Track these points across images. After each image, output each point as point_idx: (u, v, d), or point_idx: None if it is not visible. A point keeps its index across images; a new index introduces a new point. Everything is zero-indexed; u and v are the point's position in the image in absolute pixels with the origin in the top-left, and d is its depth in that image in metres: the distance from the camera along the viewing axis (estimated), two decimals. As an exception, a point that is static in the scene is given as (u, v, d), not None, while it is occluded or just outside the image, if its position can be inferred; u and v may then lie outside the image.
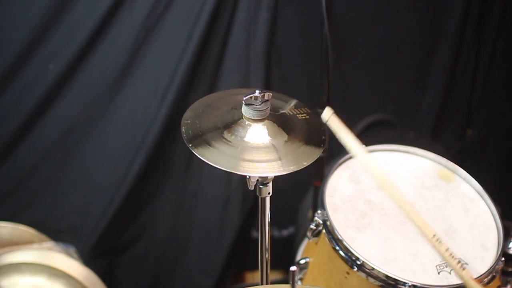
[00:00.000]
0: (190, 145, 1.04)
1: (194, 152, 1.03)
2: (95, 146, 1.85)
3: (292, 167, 1.03)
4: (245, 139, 1.07)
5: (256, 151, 1.05)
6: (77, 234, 1.86)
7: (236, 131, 1.08)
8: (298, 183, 1.84)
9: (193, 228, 1.98)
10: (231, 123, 1.09)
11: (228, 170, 1.01)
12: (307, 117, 1.16)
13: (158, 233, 1.97)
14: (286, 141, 1.08)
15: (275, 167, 1.03)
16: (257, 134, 1.07)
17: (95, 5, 1.68)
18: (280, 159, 1.05)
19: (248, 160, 1.03)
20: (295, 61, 1.96)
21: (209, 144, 1.05)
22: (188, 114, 1.12)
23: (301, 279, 1.35)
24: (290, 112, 1.15)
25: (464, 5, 1.93)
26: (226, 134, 1.07)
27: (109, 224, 1.84)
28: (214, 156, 1.03)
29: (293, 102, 1.18)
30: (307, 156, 1.06)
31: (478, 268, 1.13)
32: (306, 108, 1.17)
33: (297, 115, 1.15)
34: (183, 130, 1.07)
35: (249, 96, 1.05)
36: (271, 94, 1.07)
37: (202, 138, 1.06)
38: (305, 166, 1.04)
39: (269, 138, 1.08)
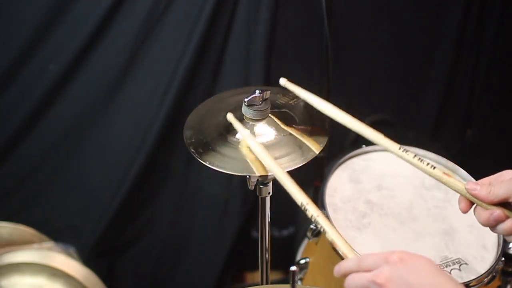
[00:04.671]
0: (207, 162, 1.03)
1: (209, 165, 1.02)
2: (95, 146, 1.85)
3: (306, 157, 1.04)
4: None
5: (267, 148, 1.05)
6: (77, 234, 1.86)
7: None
8: (298, 183, 1.83)
9: (193, 228, 1.98)
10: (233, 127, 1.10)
11: (245, 174, 1.01)
12: (297, 100, 1.17)
13: (158, 233, 1.97)
14: (291, 134, 1.09)
15: (292, 160, 1.03)
16: (262, 132, 1.08)
17: (95, 5, 1.68)
18: (295, 151, 1.06)
19: (256, 160, 1.03)
20: (295, 61, 1.96)
21: (219, 153, 1.05)
22: (188, 133, 1.11)
23: (301, 279, 1.35)
24: (282, 101, 1.16)
25: (464, 6, 1.93)
26: (231, 139, 1.07)
27: (109, 224, 1.84)
28: (226, 163, 1.03)
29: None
30: (315, 144, 1.08)
31: (478, 268, 1.13)
32: (292, 94, 1.18)
33: (289, 102, 1.17)
34: (192, 150, 1.06)
35: (251, 97, 1.06)
36: (269, 91, 1.07)
37: (210, 149, 1.06)
38: (317, 154, 1.06)
39: (275, 134, 1.08)
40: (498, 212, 0.82)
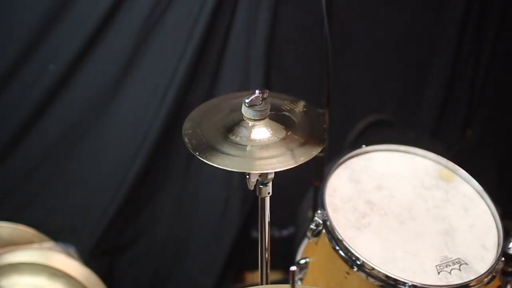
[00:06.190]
0: (197, 153, 1.04)
1: (204, 160, 1.02)
2: (95, 146, 1.85)
3: (302, 158, 1.03)
4: (251, 138, 1.07)
5: (265, 148, 1.05)
6: (77, 234, 1.86)
7: (240, 132, 1.08)
8: (298, 183, 1.83)
9: (193, 228, 1.98)
10: (233, 125, 1.09)
11: (243, 171, 1.01)
12: (305, 109, 1.16)
13: (158, 233, 1.97)
14: (288, 136, 1.09)
15: (286, 161, 1.03)
16: (261, 132, 1.08)
17: (95, 5, 1.68)
18: (290, 150, 1.05)
19: (260, 158, 1.03)
20: (295, 61, 1.96)
21: (216, 149, 1.05)
22: (187, 124, 1.11)
23: (301, 279, 1.35)
24: (287, 108, 1.16)
25: (464, 5, 1.93)
26: (231, 136, 1.07)
27: (109, 224, 1.84)
28: (224, 160, 1.02)
29: (301, 103, 1.19)
30: (312, 147, 1.07)
31: (478, 268, 1.13)
32: (302, 102, 1.17)
33: (295, 109, 1.16)
34: (186, 140, 1.07)
35: (251, 97, 1.06)
36: (268, 91, 1.07)
37: (207, 145, 1.06)
38: (313, 155, 1.05)
39: (273, 135, 1.08)
40: None
